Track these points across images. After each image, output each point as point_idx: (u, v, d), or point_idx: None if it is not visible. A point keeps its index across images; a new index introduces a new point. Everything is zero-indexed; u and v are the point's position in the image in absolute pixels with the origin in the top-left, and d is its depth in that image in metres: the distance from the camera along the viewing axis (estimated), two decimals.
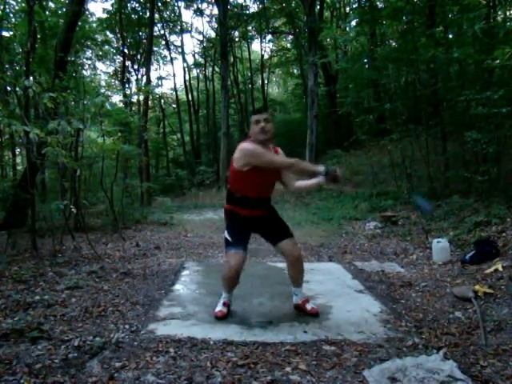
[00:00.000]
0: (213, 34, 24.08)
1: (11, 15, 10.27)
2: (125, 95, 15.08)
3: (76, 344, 2.42)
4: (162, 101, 24.76)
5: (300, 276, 2.99)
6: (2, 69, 6.90)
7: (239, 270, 2.81)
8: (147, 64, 16.85)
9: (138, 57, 20.92)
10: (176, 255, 5.44)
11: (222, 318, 2.87)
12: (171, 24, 23.06)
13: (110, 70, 22.91)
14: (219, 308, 2.95)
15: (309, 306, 2.98)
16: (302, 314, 2.96)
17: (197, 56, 25.94)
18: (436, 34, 8.87)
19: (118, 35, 19.34)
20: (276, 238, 2.92)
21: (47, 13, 11.20)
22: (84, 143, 7.23)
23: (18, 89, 6.54)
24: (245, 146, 2.75)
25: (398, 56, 9.46)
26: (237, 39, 23.74)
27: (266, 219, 2.94)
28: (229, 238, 2.87)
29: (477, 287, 3.37)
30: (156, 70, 31.66)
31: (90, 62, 18.79)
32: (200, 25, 56.92)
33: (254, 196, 2.81)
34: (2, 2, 9.24)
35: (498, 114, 6.01)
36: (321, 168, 2.72)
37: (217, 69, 23.40)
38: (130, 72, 20.46)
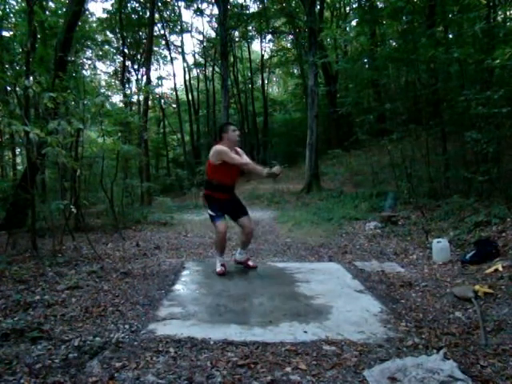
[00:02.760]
0: (213, 34, 24.13)
1: (11, 15, 10.26)
2: (125, 95, 15.07)
3: (76, 344, 2.41)
4: (162, 101, 24.76)
5: (248, 243, 4.38)
6: (2, 69, 6.90)
7: (225, 233, 4.05)
8: (147, 64, 16.86)
9: (138, 57, 20.94)
10: (176, 255, 5.44)
11: (224, 274, 4.01)
12: (171, 24, 23.07)
13: (110, 69, 22.94)
14: (219, 268, 4.08)
15: (251, 263, 4.33)
16: (302, 313, 2.96)
17: (197, 56, 25.99)
18: (436, 34, 8.86)
19: (118, 35, 19.35)
20: (237, 215, 4.15)
21: (47, 13, 11.19)
22: (84, 143, 7.23)
23: (18, 89, 6.54)
24: (218, 147, 3.97)
25: (398, 56, 9.45)
26: (237, 39, 23.76)
27: (232, 201, 4.16)
28: (213, 214, 4.04)
29: (477, 287, 3.38)
30: (156, 69, 31.69)
31: (90, 61, 18.83)
32: (200, 25, 57.05)
33: (225, 183, 4.04)
34: (2, 1, 9.24)
35: (498, 113, 6.00)
36: (264, 171, 3.82)
37: (217, 69, 23.41)
38: (129, 72, 20.48)
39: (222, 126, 4.37)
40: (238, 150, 4.18)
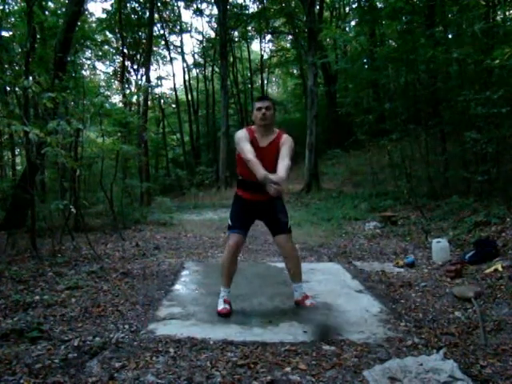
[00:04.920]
0: (212, 34, 24.14)
1: (11, 15, 10.25)
2: (124, 95, 15.07)
3: (76, 344, 2.41)
4: (162, 101, 24.76)
5: (296, 270, 3.10)
6: (1, 69, 6.89)
7: (236, 251, 3.00)
8: (147, 64, 16.86)
9: (138, 57, 20.91)
10: (176, 255, 5.43)
11: (228, 315, 2.91)
12: (171, 24, 23.07)
13: (110, 70, 22.89)
14: (221, 306, 2.98)
15: (308, 302, 3.06)
16: (302, 313, 2.96)
17: (196, 56, 26.00)
18: (435, 34, 8.87)
19: (118, 35, 19.32)
20: (273, 231, 3.09)
21: (46, 13, 11.18)
22: (84, 143, 7.22)
23: (17, 89, 6.53)
24: (237, 132, 3.03)
25: (397, 56, 9.46)
26: (236, 39, 23.75)
27: (269, 206, 3.00)
28: (229, 222, 3.07)
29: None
30: (156, 70, 31.75)
31: (89, 62, 18.81)
32: (199, 25, 57.02)
33: (251, 178, 2.81)
34: (1, 2, 9.23)
35: (498, 113, 6.01)
36: (259, 174, 2.63)
37: (216, 69, 23.42)
38: (129, 72, 20.46)
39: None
40: (283, 137, 2.99)
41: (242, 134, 2.94)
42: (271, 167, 2.77)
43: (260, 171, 2.64)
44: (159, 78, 24.80)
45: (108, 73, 22.40)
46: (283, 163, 2.78)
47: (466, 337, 2.55)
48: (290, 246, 3.08)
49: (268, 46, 27.52)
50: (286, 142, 2.96)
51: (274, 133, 3.01)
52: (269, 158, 2.86)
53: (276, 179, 2.59)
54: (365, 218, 8.17)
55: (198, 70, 26.56)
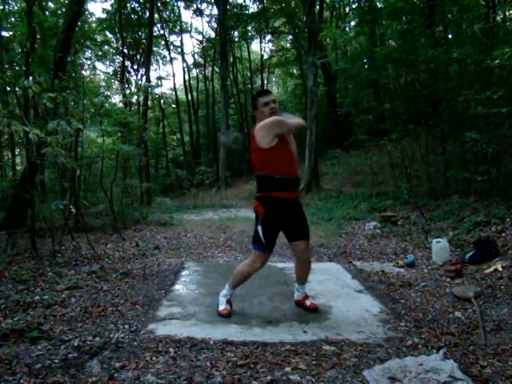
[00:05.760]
0: (212, 34, 24.13)
1: (11, 15, 10.26)
2: (124, 95, 15.07)
3: (76, 344, 2.41)
4: (162, 101, 24.75)
5: (306, 275, 3.07)
6: (1, 69, 6.90)
7: (259, 270, 2.91)
8: (147, 64, 16.86)
9: (138, 57, 20.92)
10: (176, 255, 5.43)
11: (229, 315, 2.89)
12: (171, 24, 23.07)
13: (110, 70, 22.90)
14: (223, 306, 2.96)
15: (308, 302, 3.07)
16: (302, 313, 2.96)
17: (196, 56, 25.99)
18: (435, 34, 8.87)
19: (118, 35, 19.33)
20: (294, 235, 2.90)
21: (46, 13, 11.19)
22: (84, 143, 7.22)
23: (17, 89, 6.54)
24: (267, 120, 2.73)
25: (397, 56, 9.46)
26: (236, 39, 23.74)
27: (298, 207, 2.88)
28: (262, 238, 2.76)
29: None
30: (156, 70, 31.70)
31: (89, 62, 18.82)
32: (199, 25, 56.97)
33: (289, 174, 2.76)
34: (1, 2, 9.24)
35: (498, 113, 6.01)
36: (303, 122, 3.01)
37: (216, 69, 23.41)
38: (129, 72, 20.46)
39: (252, 97, 3.03)
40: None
41: (277, 117, 2.75)
42: (295, 155, 2.84)
43: (300, 120, 2.93)
44: (159, 78, 24.85)
45: (108, 73, 22.42)
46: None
47: (466, 337, 2.56)
48: (309, 253, 3.02)
49: (268, 46, 27.55)
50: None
51: None
52: (291, 145, 2.85)
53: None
54: (365, 218, 8.16)
55: (197, 70, 26.57)
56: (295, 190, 2.84)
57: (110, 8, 18.65)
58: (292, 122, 2.79)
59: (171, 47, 24.00)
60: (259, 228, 2.76)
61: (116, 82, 21.90)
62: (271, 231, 2.80)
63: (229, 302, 3.00)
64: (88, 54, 18.20)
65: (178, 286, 3.78)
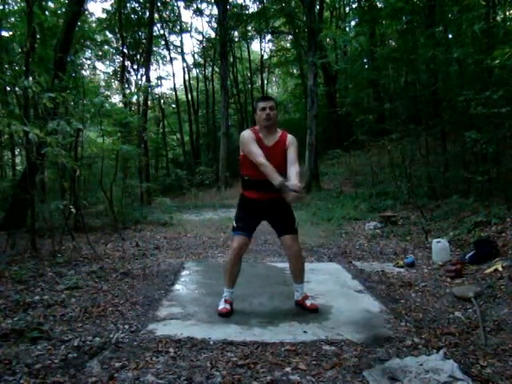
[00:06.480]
0: (212, 34, 24.13)
1: (10, 15, 10.25)
2: (124, 95, 15.08)
3: (76, 344, 2.41)
4: (162, 101, 24.75)
5: (299, 272, 3.09)
6: (1, 69, 6.90)
7: (239, 253, 2.99)
8: (147, 64, 16.87)
9: (138, 57, 20.93)
10: (176, 255, 5.43)
11: (227, 315, 2.90)
12: (171, 24, 23.07)
13: (110, 70, 22.90)
14: (222, 306, 2.98)
15: (308, 302, 3.07)
16: (302, 313, 2.96)
17: (196, 56, 25.98)
18: (436, 34, 8.87)
19: (118, 35, 19.34)
20: (280, 231, 3.05)
21: (47, 13, 11.17)
22: (83, 143, 7.22)
23: (17, 89, 6.53)
24: (242, 133, 3.00)
25: (397, 56, 9.47)
26: (236, 39, 23.74)
27: (275, 206, 2.94)
28: (233, 224, 3.05)
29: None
30: (155, 70, 31.66)
31: (89, 62, 18.82)
32: (199, 25, 56.98)
33: (258, 178, 2.83)
34: (1, 2, 9.23)
35: (498, 113, 6.01)
36: (276, 181, 2.65)
37: (216, 69, 23.41)
38: (129, 72, 20.47)
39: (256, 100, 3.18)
40: (287, 138, 2.96)
41: (248, 135, 2.90)
42: (279, 168, 2.79)
43: (276, 178, 2.66)
44: (159, 77, 24.84)
45: (108, 73, 22.45)
46: (295, 169, 2.78)
47: (466, 337, 2.55)
48: (297, 247, 3.05)
49: (268, 46, 27.59)
50: (293, 143, 2.95)
51: (277, 132, 3.00)
52: (276, 158, 2.85)
53: (296, 188, 2.57)
54: (365, 218, 8.17)
55: (197, 70, 26.57)
56: (262, 192, 2.91)
57: (109, 8, 18.70)
58: (254, 152, 2.81)
59: (171, 47, 24.03)
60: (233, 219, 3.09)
61: (116, 82, 21.93)
62: (242, 218, 3.03)
63: (228, 301, 3.00)
64: (88, 53, 18.19)
65: (178, 286, 3.78)
